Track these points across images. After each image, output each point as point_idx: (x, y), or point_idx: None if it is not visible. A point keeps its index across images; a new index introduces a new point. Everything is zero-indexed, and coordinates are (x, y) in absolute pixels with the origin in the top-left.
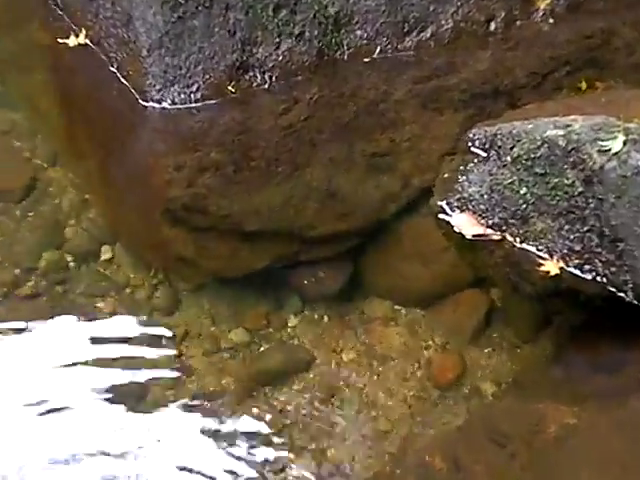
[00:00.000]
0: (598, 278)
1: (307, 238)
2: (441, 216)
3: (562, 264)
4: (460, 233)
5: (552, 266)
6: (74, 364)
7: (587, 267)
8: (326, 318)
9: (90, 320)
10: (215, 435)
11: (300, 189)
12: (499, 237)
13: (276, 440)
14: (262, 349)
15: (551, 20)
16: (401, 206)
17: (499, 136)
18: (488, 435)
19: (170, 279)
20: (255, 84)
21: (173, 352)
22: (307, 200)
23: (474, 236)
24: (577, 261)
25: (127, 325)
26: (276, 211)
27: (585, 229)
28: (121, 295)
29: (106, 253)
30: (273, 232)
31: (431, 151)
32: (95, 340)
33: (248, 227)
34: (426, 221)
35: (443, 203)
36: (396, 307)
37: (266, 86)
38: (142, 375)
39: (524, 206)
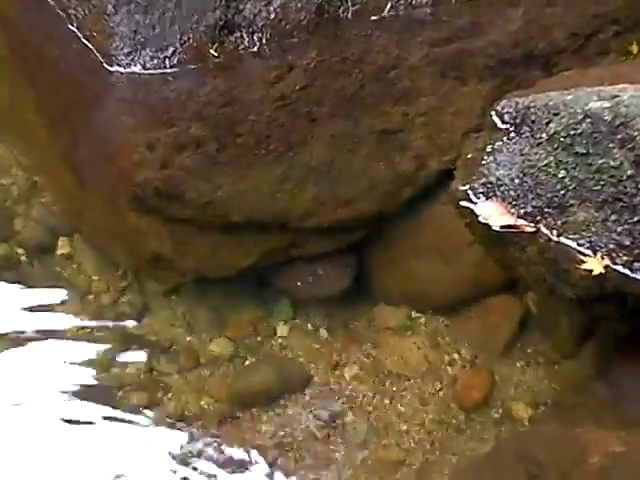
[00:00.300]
0: None
1: (303, 229)
2: (464, 204)
3: (607, 261)
4: (486, 224)
5: (595, 264)
6: (24, 385)
7: (637, 265)
8: (325, 327)
9: (44, 330)
10: (192, 467)
11: (295, 171)
12: (532, 229)
13: (264, 474)
14: (248, 363)
15: None
16: (416, 192)
17: (532, 109)
18: (520, 464)
19: (140, 280)
20: (242, 47)
21: (143, 368)
22: (304, 184)
23: (503, 228)
24: (625, 258)
25: (88, 335)
26: (267, 198)
27: (635, 219)
28: (81, 299)
29: (63, 247)
30: (263, 223)
31: (452, 127)
32: (49, 354)
33: (233, 217)
34: (446, 210)
35: (466, 188)
36: (412, 314)
37: (255, 49)
38: (106, 396)
39: (562, 192)
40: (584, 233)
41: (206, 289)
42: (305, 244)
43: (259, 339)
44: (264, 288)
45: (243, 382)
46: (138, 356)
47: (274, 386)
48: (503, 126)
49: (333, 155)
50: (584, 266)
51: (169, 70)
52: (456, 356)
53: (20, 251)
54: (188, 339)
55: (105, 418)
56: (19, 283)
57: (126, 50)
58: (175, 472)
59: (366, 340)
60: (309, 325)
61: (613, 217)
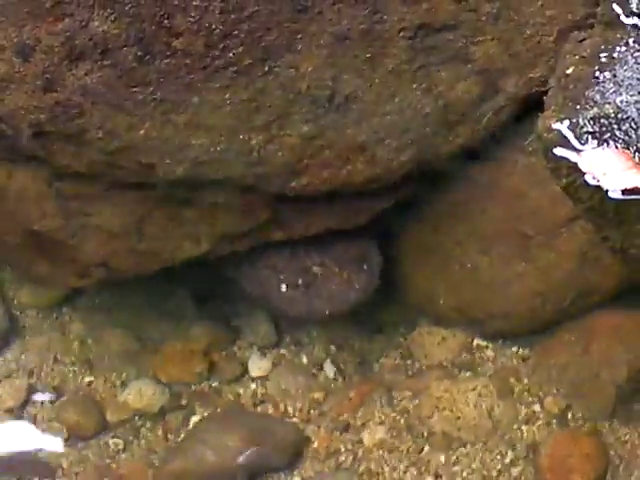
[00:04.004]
0: None
1: (287, 197)
2: (560, 153)
3: None
4: (599, 187)
5: None
6: None
7: None
8: (331, 362)
9: None
10: None
11: (272, 98)
12: None
13: None
14: (195, 422)
15: None
16: (477, 135)
17: None
18: None
19: (4, 281)
20: None
21: (9, 442)
22: (286, 119)
23: (627, 192)
24: None
25: None
26: (224, 142)
27: None
28: None
29: None
30: (218, 184)
31: (541, 22)
32: None
33: (167, 172)
34: (529, 165)
35: (564, 127)
36: (472, 343)
37: None
38: None
39: None
40: None
41: (121, 297)
42: (291, 222)
43: (216, 383)
44: (227, 296)
45: (185, 460)
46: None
47: (243, 465)
48: (629, 20)
49: (336, 70)
50: None
51: None
52: (539, 410)
53: None
54: (87, 382)
55: None
56: None
57: None
58: None
59: (397, 384)
60: (303, 358)
61: None
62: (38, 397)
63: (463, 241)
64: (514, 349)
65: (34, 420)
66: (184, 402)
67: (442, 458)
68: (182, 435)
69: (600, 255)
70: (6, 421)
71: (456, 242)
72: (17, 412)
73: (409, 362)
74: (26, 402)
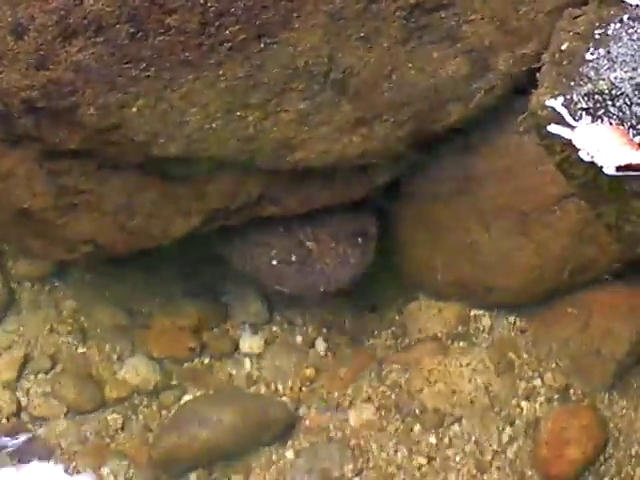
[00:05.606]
0: None
1: (281, 173)
2: (554, 130)
3: None
4: (593, 163)
5: None
6: None
7: None
8: (322, 339)
9: None
10: None
11: (269, 74)
12: None
13: None
14: (186, 402)
15: None
16: (471, 111)
17: None
18: None
19: (1, 256)
20: None
21: (3, 406)
22: (283, 96)
23: (621, 169)
24: None
25: None
26: (218, 118)
27: None
28: None
29: None
30: (211, 161)
31: (534, 0)
32: None
33: (160, 149)
34: (523, 143)
35: (558, 104)
36: (469, 314)
37: None
38: None
39: None
40: None
41: (113, 273)
42: (285, 197)
43: (207, 360)
44: (216, 273)
45: (179, 436)
46: None
47: (234, 440)
48: None
49: (333, 47)
50: None
51: None
52: (539, 384)
53: None
54: (81, 356)
55: None
56: None
57: None
58: None
59: (390, 359)
60: (296, 335)
61: None
62: (33, 370)
63: (461, 216)
64: (511, 320)
65: (30, 395)
66: (176, 380)
67: (433, 438)
68: (174, 414)
69: (595, 231)
70: (2, 395)
71: (454, 216)
72: (13, 385)
73: (403, 334)
74: (21, 375)
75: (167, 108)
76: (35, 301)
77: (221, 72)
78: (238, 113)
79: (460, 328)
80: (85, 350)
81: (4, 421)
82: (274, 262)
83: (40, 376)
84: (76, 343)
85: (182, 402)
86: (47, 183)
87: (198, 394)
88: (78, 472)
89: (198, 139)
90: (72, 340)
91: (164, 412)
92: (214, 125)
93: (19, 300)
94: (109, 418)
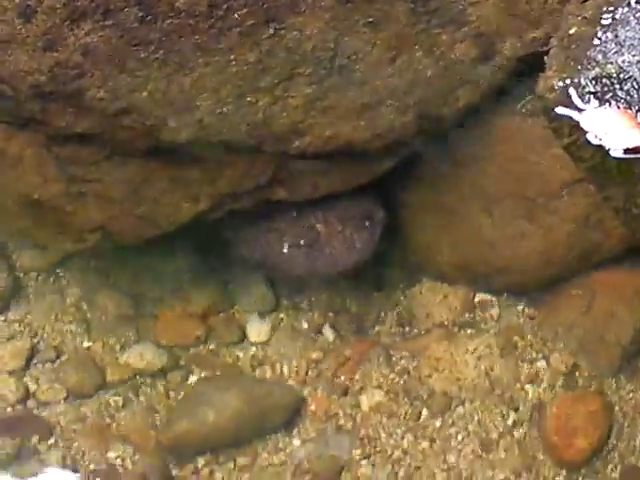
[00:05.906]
0: None
1: (290, 156)
2: (561, 112)
3: None
4: (601, 146)
5: None
6: None
7: None
8: (330, 325)
9: None
10: None
11: (277, 59)
12: None
13: None
14: (193, 382)
15: None
16: (478, 95)
17: None
18: None
19: (6, 246)
20: None
21: (8, 394)
22: (291, 81)
23: (629, 152)
24: None
25: None
26: (228, 103)
27: None
28: None
29: None
30: (219, 145)
31: None
32: None
33: (169, 134)
34: (531, 126)
35: (566, 86)
36: (475, 299)
37: None
38: None
39: None
40: None
41: (119, 260)
42: (293, 181)
43: (214, 346)
44: (224, 258)
45: (185, 422)
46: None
47: (241, 426)
48: None
49: (339, 33)
50: None
51: None
52: (543, 367)
53: None
54: (86, 345)
55: None
56: None
57: None
58: None
59: (397, 345)
60: (303, 322)
61: None
62: (39, 358)
63: (468, 201)
64: (519, 307)
65: (35, 380)
66: (182, 364)
67: (439, 422)
68: (181, 395)
69: (603, 215)
70: (8, 381)
71: (460, 201)
72: (18, 372)
73: (410, 320)
74: (28, 363)
75: (178, 92)
76: (40, 290)
77: (232, 56)
78: (249, 98)
79: (468, 315)
80: (91, 337)
81: (9, 410)
82: (284, 246)
83: (47, 365)
84: (81, 332)
85: (189, 382)
86: (58, 169)
87: (203, 376)
88: (83, 454)
89: (209, 124)
90: (77, 329)
91: (169, 398)
92: (225, 110)
93: (25, 289)
94: (111, 400)
